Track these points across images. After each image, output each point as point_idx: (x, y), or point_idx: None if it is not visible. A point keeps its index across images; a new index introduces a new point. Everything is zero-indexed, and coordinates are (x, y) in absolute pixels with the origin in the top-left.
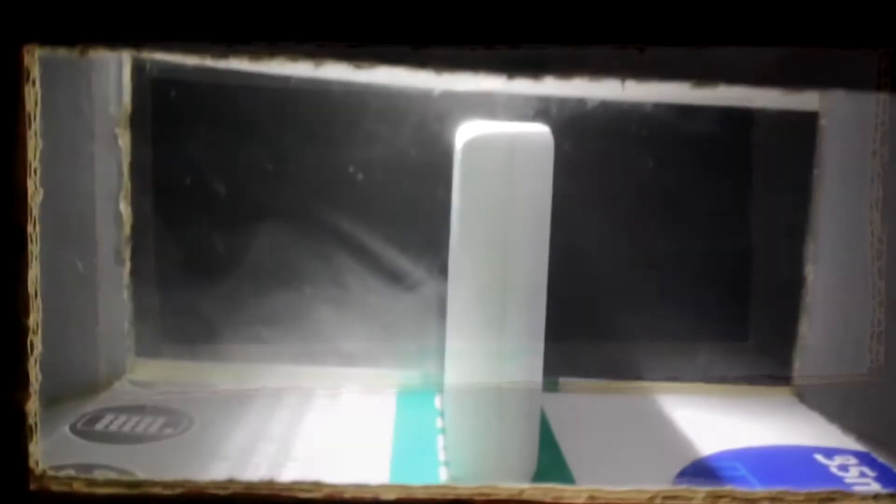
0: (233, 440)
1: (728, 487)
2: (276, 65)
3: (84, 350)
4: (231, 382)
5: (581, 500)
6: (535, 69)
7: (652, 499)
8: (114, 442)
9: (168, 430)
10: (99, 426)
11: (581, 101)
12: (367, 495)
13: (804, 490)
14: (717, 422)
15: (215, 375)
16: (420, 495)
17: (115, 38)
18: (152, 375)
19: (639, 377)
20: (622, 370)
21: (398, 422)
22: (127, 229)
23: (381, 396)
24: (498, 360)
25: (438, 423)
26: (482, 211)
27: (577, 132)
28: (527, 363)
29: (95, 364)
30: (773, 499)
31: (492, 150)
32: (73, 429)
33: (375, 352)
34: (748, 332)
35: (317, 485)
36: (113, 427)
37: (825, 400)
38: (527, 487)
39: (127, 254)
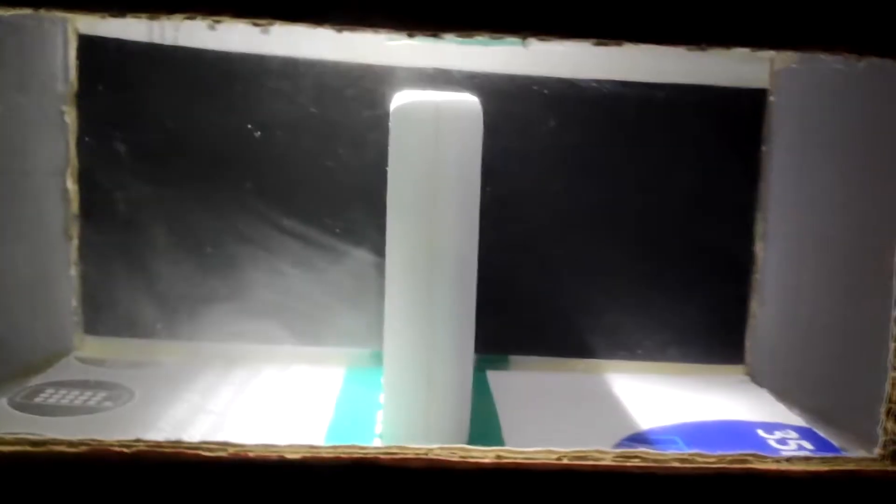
0: (171, 413)
1: (641, 449)
2: (173, 22)
3: (31, 327)
4: (178, 359)
5: (488, 460)
6: (435, 27)
7: (560, 458)
8: (50, 414)
9: (107, 404)
10: (38, 399)
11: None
12: (273, 455)
13: (716, 453)
14: (663, 398)
15: (164, 353)
16: (326, 454)
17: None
18: (99, 352)
19: (591, 355)
20: (574, 348)
21: (341, 397)
22: (74, 206)
23: (329, 373)
24: (428, 328)
25: (381, 398)
26: (410, 178)
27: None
28: (457, 332)
29: (42, 341)
30: (683, 460)
31: (419, 117)
32: (10, 402)
33: (324, 329)
34: (700, 310)
35: (223, 445)
36: (52, 400)
37: (775, 378)
38: (434, 448)
39: (75, 230)
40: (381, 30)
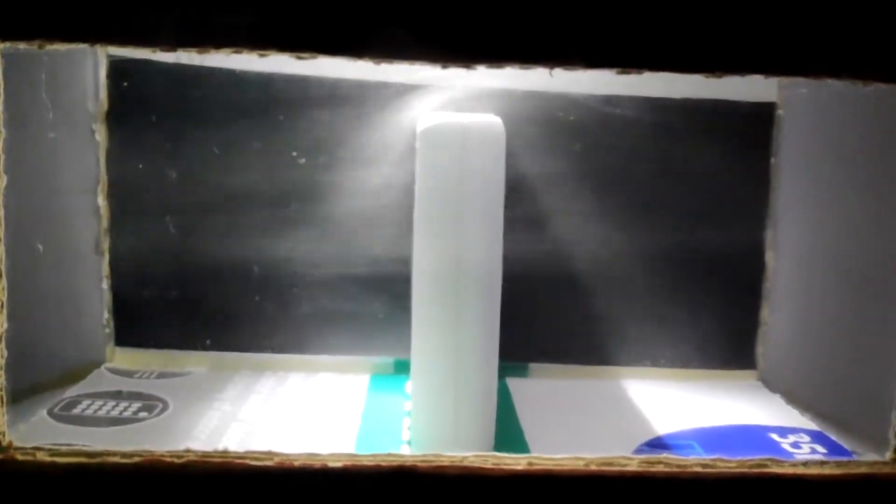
0: (204, 423)
1: (664, 455)
2: (222, 56)
3: (64, 340)
4: (206, 369)
5: (520, 467)
6: (467, 59)
7: (587, 465)
8: (89, 425)
9: (143, 414)
10: (76, 410)
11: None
12: (316, 463)
13: (737, 458)
14: (678, 403)
15: (191, 363)
16: (367, 463)
17: (71, 34)
18: (131, 363)
19: (606, 362)
20: (592, 355)
21: (368, 405)
22: (105, 222)
23: (354, 381)
24: (454, 340)
25: (406, 406)
26: (437, 196)
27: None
28: (482, 343)
29: (75, 352)
30: (704, 465)
31: (446, 138)
32: (50, 413)
33: (349, 339)
34: (713, 317)
35: (269, 454)
36: (89, 411)
37: (787, 383)
38: (469, 455)
39: (106, 245)
40: (416, 62)
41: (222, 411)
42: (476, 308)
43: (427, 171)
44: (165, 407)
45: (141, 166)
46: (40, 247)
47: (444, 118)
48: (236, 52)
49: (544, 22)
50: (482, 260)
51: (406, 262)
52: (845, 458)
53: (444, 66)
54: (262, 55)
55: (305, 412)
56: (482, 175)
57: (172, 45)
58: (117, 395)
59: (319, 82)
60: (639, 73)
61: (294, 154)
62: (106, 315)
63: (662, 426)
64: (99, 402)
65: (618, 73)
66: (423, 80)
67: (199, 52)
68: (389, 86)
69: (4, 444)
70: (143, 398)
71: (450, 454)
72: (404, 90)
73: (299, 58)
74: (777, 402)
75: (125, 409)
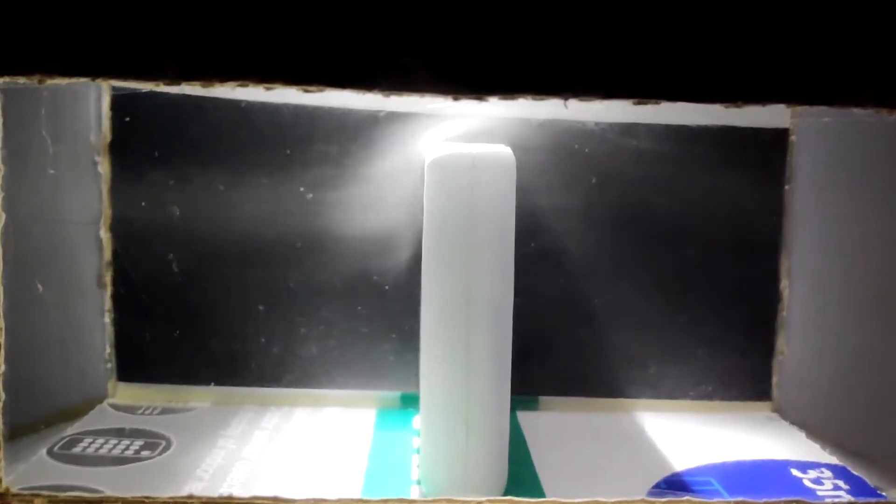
0: (208, 462)
1: (685, 498)
2: (228, 89)
3: (65, 375)
4: (210, 404)
5: None
6: (479, 91)
7: None
8: (90, 465)
9: (145, 453)
10: (76, 450)
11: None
12: None
13: (762, 500)
14: (694, 438)
15: (195, 398)
16: None
17: (71, 69)
18: (133, 399)
19: (618, 395)
20: (603, 388)
21: (375, 442)
22: (108, 254)
23: (360, 417)
24: (464, 376)
25: (415, 442)
26: (446, 228)
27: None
28: (493, 380)
29: (77, 388)
30: None
31: (455, 170)
32: (50, 452)
33: (355, 373)
34: (727, 347)
35: (274, 499)
36: (90, 450)
37: (804, 415)
38: (484, 500)
39: (108, 278)
40: (426, 94)
41: (227, 449)
42: (487, 342)
43: (435, 202)
44: (168, 445)
45: (144, 203)
46: (40, 287)
47: (452, 148)
48: (242, 85)
49: (559, 52)
50: (493, 293)
51: (414, 296)
52: (874, 500)
53: (456, 99)
54: (268, 88)
55: (311, 450)
56: (492, 206)
57: (176, 80)
58: (119, 433)
59: (328, 113)
60: (656, 103)
61: (301, 189)
62: (108, 350)
63: (679, 461)
64: (100, 441)
65: (635, 103)
66: (434, 111)
67: (204, 86)
68: (399, 116)
69: (1, 489)
70: (146, 435)
71: (464, 499)
72: (415, 120)
73: (306, 91)
74: (795, 434)
75: (127, 447)
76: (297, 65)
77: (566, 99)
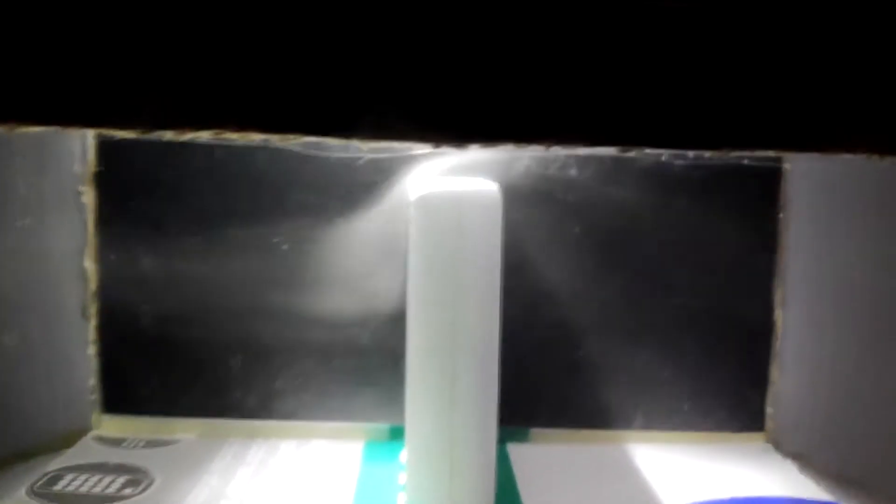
0: (190, 500)
1: None
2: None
3: (51, 407)
4: (196, 436)
5: None
6: (460, 139)
7: None
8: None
9: (128, 490)
10: (57, 487)
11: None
12: None
13: None
14: (687, 471)
15: (181, 430)
16: None
17: (44, 118)
18: (118, 430)
19: (611, 426)
20: (594, 419)
21: (361, 478)
22: (92, 285)
23: (347, 451)
24: (450, 412)
25: (402, 479)
26: (433, 265)
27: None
28: (480, 415)
29: (61, 420)
30: None
31: (441, 207)
32: (31, 491)
33: (342, 404)
34: (720, 378)
35: None
36: (71, 488)
37: (799, 446)
38: None
39: (93, 310)
40: (406, 141)
41: (210, 486)
42: (473, 379)
43: (421, 239)
44: (151, 481)
45: (127, 236)
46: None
47: (438, 185)
48: (217, 134)
49: (540, 98)
50: (479, 329)
51: (399, 328)
52: None
53: (437, 146)
54: (242, 137)
55: (297, 487)
56: (480, 243)
57: (150, 128)
58: (102, 469)
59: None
60: (640, 151)
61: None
62: (92, 381)
63: (671, 498)
64: (83, 477)
65: (620, 152)
66: (417, 150)
67: (177, 135)
68: (382, 159)
69: None
70: (129, 471)
71: None
72: (397, 162)
73: (284, 140)
74: (789, 468)
75: (109, 484)
76: (273, 113)
77: (548, 147)
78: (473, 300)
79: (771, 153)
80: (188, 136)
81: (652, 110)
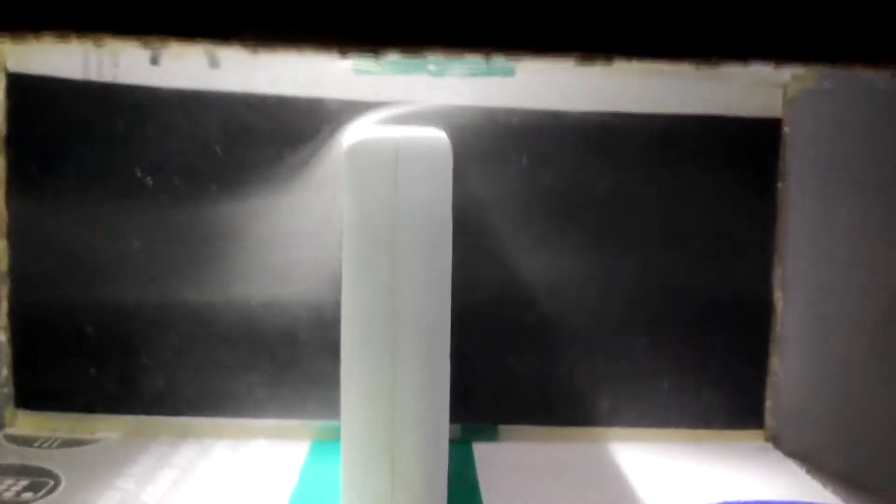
0: None
1: None
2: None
3: None
4: (121, 435)
5: None
6: (374, 44)
7: None
8: None
9: (26, 495)
10: None
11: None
12: None
13: None
14: (676, 474)
15: (105, 428)
16: None
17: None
18: (33, 428)
19: (589, 423)
20: (572, 415)
21: (300, 483)
22: (4, 265)
23: (289, 452)
24: (390, 407)
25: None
26: (367, 229)
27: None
28: (426, 411)
29: None
30: None
31: (376, 156)
32: None
33: (286, 400)
34: (713, 368)
35: None
36: None
37: (802, 445)
38: None
39: (4, 291)
40: (305, 49)
41: (123, 491)
42: (417, 367)
43: (355, 197)
44: (56, 485)
45: (42, 208)
46: None
47: (375, 132)
48: (97, 43)
49: None
50: (423, 304)
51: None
52: None
53: (344, 54)
54: (97, 43)
55: (224, 493)
56: (423, 202)
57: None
58: (5, 471)
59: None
60: (606, 62)
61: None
62: (4, 372)
63: None
64: None
65: (578, 62)
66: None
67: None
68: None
69: None
70: (33, 474)
71: None
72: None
73: (146, 45)
74: (791, 468)
75: (7, 488)
76: (138, 16)
77: (487, 55)
78: (416, 268)
79: (770, 66)
80: (59, 43)
81: (622, 8)
